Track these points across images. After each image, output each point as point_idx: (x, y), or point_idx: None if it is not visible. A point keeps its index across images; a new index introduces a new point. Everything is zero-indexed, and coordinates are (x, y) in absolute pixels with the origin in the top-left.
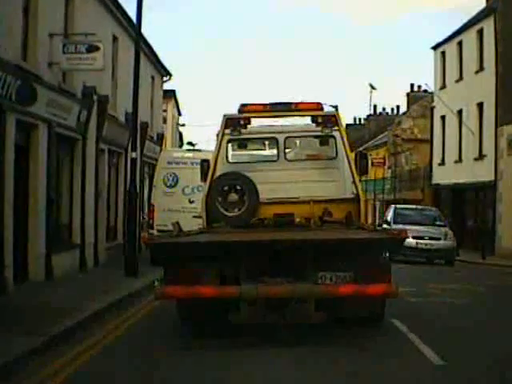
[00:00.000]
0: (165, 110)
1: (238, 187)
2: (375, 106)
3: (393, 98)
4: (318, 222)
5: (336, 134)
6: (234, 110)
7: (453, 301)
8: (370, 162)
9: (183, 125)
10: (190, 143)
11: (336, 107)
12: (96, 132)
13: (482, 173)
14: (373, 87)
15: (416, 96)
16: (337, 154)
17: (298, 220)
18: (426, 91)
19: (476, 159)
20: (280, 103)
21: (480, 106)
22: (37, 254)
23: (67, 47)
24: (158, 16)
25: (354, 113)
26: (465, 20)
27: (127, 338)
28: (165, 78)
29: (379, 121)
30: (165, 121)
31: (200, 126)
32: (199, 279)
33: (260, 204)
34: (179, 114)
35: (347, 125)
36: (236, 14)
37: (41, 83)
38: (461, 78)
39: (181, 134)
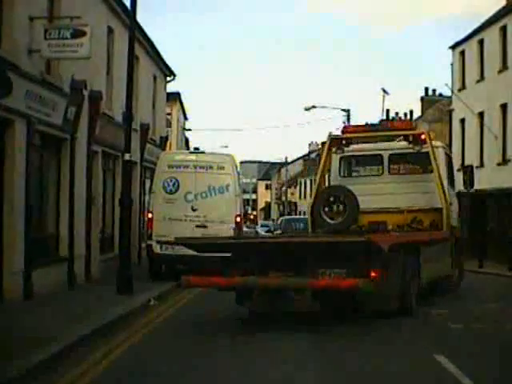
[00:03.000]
0: (169, 113)
1: (341, 198)
2: (388, 111)
3: (406, 103)
4: (409, 229)
5: (429, 150)
6: (243, 117)
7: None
8: None
9: (189, 129)
10: (196, 149)
11: (348, 111)
12: (88, 132)
13: (506, 179)
14: (385, 92)
15: (431, 100)
16: (430, 168)
17: (390, 227)
18: (441, 95)
19: (499, 164)
20: (377, 124)
21: (503, 107)
22: (13, 269)
23: (49, 32)
24: (170, 23)
25: (366, 118)
26: (473, 26)
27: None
28: (168, 78)
29: None
30: (170, 125)
31: (209, 131)
32: (222, 272)
33: (360, 213)
34: (185, 119)
35: None
36: (256, 18)
37: (18, 72)
38: (482, 78)
39: (187, 140)
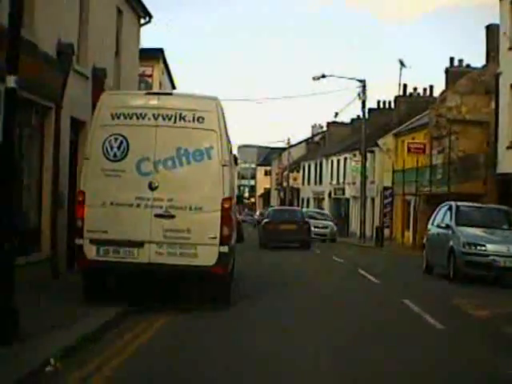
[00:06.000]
0: (149, 75)
1: None
2: (405, 86)
3: (428, 77)
4: None
5: None
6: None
7: None
8: (406, 149)
9: None
10: None
11: (364, 82)
12: None
13: None
14: (402, 64)
15: (458, 71)
16: None
17: None
18: (468, 66)
19: None
20: None
21: None
22: None
23: None
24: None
25: (382, 92)
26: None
27: None
28: (143, 21)
29: (410, 103)
30: (150, 89)
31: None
32: None
33: None
34: (173, 87)
35: (370, 109)
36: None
37: None
38: None
39: None
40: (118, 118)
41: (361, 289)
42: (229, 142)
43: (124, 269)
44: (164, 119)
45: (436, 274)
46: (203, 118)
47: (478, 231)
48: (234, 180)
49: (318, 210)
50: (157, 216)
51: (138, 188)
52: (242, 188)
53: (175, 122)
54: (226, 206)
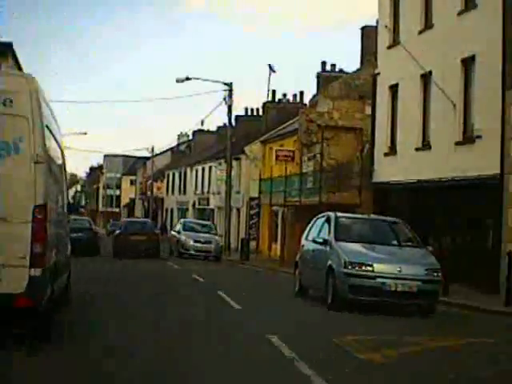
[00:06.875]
0: None
1: None
2: (274, 92)
3: (298, 83)
4: None
5: None
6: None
7: None
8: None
9: None
10: None
11: (230, 85)
12: None
13: (471, 164)
14: (272, 69)
15: (330, 76)
16: None
17: None
18: (342, 70)
19: (459, 143)
20: None
21: (467, 62)
22: None
23: None
24: None
25: (251, 98)
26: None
27: None
28: None
29: (279, 109)
30: None
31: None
32: None
33: None
34: None
35: (238, 116)
36: None
37: None
38: (427, 26)
39: None
40: None
41: (217, 320)
42: (51, 132)
43: None
44: None
45: (311, 298)
46: (11, 101)
47: (362, 248)
48: (59, 183)
49: (201, 221)
50: None
51: None
52: (78, 195)
53: None
54: (40, 216)
